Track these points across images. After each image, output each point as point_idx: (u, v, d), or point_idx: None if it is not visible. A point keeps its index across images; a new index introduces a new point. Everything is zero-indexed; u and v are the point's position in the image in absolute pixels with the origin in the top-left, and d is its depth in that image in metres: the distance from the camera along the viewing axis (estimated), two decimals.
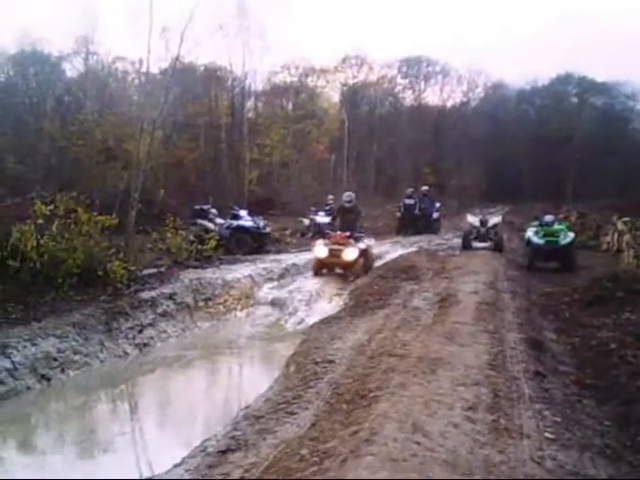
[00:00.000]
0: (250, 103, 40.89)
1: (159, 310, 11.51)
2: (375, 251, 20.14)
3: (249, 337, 11.59)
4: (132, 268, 12.79)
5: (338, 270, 15.19)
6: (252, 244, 19.31)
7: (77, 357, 9.29)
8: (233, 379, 9.67)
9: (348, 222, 15.53)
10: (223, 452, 5.43)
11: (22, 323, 9.46)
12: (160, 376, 9.67)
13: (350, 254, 14.78)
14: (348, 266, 14.99)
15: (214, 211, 20.15)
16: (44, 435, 7.46)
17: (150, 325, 11.03)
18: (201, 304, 12.48)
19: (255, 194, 32.07)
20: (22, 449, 7.03)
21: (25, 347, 8.68)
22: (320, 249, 15.09)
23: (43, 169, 20.43)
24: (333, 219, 16.23)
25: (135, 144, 17.72)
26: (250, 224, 19.77)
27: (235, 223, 19.59)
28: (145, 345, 10.56)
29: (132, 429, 7.77)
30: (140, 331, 10.73)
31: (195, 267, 14.84)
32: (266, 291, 14.47)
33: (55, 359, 8.94)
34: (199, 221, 19.28)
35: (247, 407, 6.71)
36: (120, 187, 17.05)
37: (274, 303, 13.69)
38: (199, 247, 16.27)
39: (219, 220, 19.69)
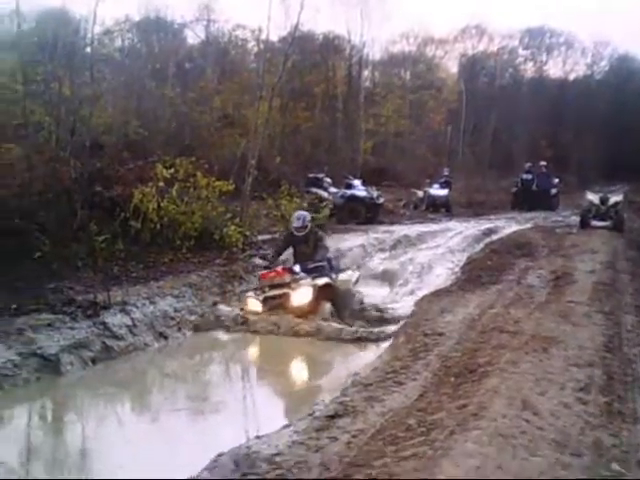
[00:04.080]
0: (367, 72, 40.68)
1: None
2: (490, 225, 19.75)
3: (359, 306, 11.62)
4: (247, 233, 13.12)
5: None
6: (365, 214, 19.36)
7: (193, 317, 9.59)
8: (342, 346, 9.72)
9: (304, 258, 10.16)
10: (331, 417, 5.50)
11: (142, 282, 9.87)
12: (272, 340, 9.84)
13: (301, 297, 9.57)
14: (305, 315, 9.56)
15: (328, 180, 20.29)
16: (159, 392, 7.76)
17: None
18: None
19: (369, 164, 31.95)
20: (139, 405, 7.34)
21: (144, 305, 9.04)
22: (252, 303, 9.83)
23: (164, 134, 20.95)
24: (277, 254, 10.83)
25: (253, 111, 18.00)
26: (364, 194, 19.81)
27: (349, 192, 19.68)
28: None
29: (244, 391, 7.99)
30: None
31: None
32: (377, 261, 14.52)
33: (172, 318, 9.27)
34: (313, 189, 19.43)
35: (355, 375, 6.78)
36: (237, 153, 17.35)
37: (385, 273, 13.70)
38: (313, 215, 16.41)
39: (333, 189, 19.82)
